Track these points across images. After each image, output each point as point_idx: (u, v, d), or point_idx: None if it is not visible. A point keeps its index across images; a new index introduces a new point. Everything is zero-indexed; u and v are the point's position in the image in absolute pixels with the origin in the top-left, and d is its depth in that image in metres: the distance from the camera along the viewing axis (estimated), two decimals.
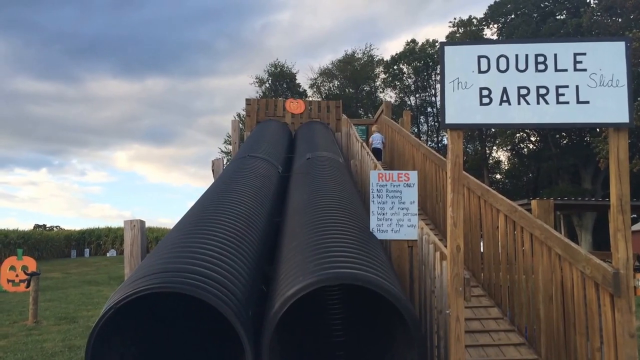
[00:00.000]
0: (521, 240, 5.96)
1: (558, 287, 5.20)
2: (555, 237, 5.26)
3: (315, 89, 42.15)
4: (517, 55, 4.27)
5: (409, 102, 41.40)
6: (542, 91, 4.23)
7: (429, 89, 41.24)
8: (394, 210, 5.40)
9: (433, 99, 41.18)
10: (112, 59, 72.41)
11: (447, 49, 4.39)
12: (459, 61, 4.32)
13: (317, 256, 4.37)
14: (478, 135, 39.07)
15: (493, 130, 38.60)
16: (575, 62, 4.21)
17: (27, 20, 67.98)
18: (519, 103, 4.24)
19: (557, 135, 35.11)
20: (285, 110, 13.80)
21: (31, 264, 16.76)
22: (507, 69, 4.29)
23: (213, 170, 9.48)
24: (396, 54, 41.11)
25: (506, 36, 34.17)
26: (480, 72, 4.30)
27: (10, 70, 69.48)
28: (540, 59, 4.25)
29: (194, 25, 74.13)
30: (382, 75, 42.41)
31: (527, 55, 4.27)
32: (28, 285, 12.14)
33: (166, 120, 75.32)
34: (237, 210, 5.76)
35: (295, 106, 13.88)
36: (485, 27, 37.44)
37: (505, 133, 36.63)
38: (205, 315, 4.49)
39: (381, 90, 42.50)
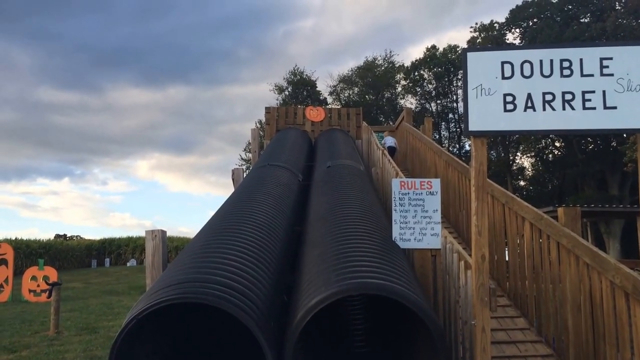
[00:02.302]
0: (547, 249, 5.90)
1: (587, 297, 5.13)
2: (583, 246, 5.19)
3: (335, 96, 42.27)
4: (541, 61, 4.24)
5: (429, 108, 41.27)
6: (568, 97, 4.19)
7: (450, 95, 41.05)
8: (417, 219, 5.39)
9: (454, 104, 40.98)
10: (134, 68, 73.58)
11: (470, 55, 4.38)
12: (482, 67, 4.31)
13: (339, 266, 4.37)
14: (501, 142, 38.73)
15: (517, 136, 38.29)
16: (602, 66, 4.16)
17: (51, 30, 69.53)
18: (544, 109, 4.21)
19: (583, 141, 34.65)
20: (305, 118, 13.88)
21: (52, 274, 17.00)
22: (532, 74, 4.26)
23: (233, 180, 9.55)
24: (416, 59, 41.08)
25: (528, 40, 33.86)
26: (504, 78, 4.28)
27: (34, 81, 70.97)
28: (566, 64, 4.21)
29: (215, 34, 75.04)
30: (403, 82, 42.37)
31: (552, 61, 4.24)
32: (50, 296, 12.30)
33: (187, 129, 76.14)
34: (258, 220, 5.78)
35: (315, 114, 13.95)
36: (507, 32, 37.16)
37: (529, 139, 36.25)
38: (228, 326, 4.52)
39: (402, 96, 42.45)
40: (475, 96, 4.29)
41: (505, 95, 4.27)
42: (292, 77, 40.06)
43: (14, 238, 28.18)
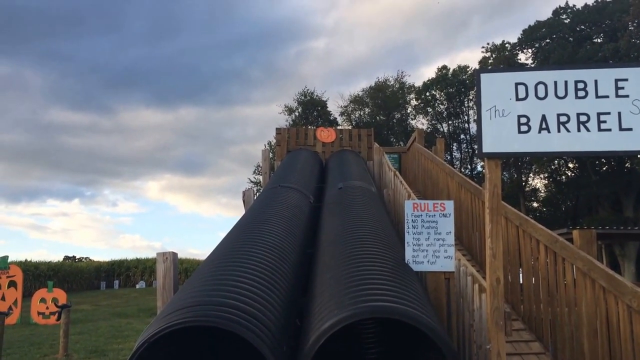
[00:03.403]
0: (562, 272, 5.85)
1: (603, 321, 5.08)
2: (599, 269, 5.16)
3: (345, 117, 42.45)
4: (556, 82, 4.26)
5: (441, 129, 41.32)
6: (583, 118, 4.19)
7: (461, 115, 41.10)
8: (430, 241, 5.38)
9: (466, 125, 41.02)
10: (145, 89, 74.44)
11: (483, 76, 4.40)
12: (496, 89, 4.33)
13: (352, 289, 4.37)
14: (514, 163, 38.62)
15: (528, 157, 38.16)
16: (617, 88, 4.16)
17: (63, 52, 70.55)
18: (558, 131, 4.21)
19: (597, 162, 34.47)
20: (316, 139, 13.94)
21: (61, 296, 17.05)
22: (546, 95, 4.27)
23: (244, 201, 9.58)
24: (428, 80, 41.29)
25: (541, 61, 33.93)
26: (518, 99, 4.29)
27: (45, 102, 71.87)
28: (580, 85, 4.22)
29: (227, 54, 75.85)
30: (414, 102, 42.53)
31: (566, 82, 4.24)
32: (59, 318, 12.32)
33: (198, 150, 76.61)
34: (269, 242, 5.80)
35: (326, 135, 14.00)
36: (520, 52, 37.25)
37: (541, 160, 36.13)
38: (240, 350, 4.50)
39: (413, 117, 42.58)
40: (489, 117, 4.31)
41: (519, 116, 4.28)
42: (302, 97, 40.33)
43: (23, 260, 28.35)
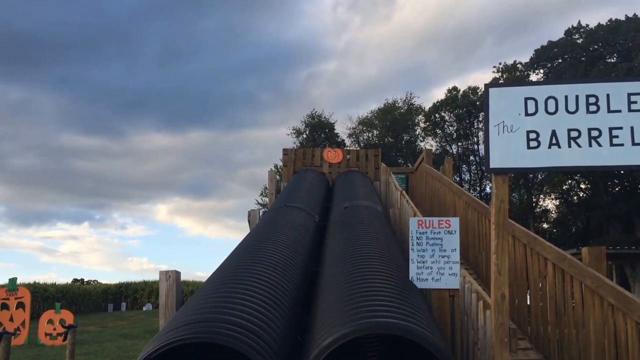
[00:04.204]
0: (571, 290, 5.77)
1: (611, 339, 5.00)
2: (608, 286, 5.09)
3: (354, 139, 42.53)
4: (566, 97, 4.20)
5: (450, 151, 41.25)
6: (595, 133, 4.12)
7: (471, 137, 41.02)
8: (435, 259, 5.33)
9: (476, 147, 40.93)
10: (156, 113, 74.91)
11: (491, 91, 4.37)
12: (505, 104, 4.29)
13: (354, 305, 4.33)
14: (524, 184, 38.43)
15: (540, 177, 37.97)
16: (630, 102, 4.10)
17: (77, 77, 71.33)
18: (569, 146, 4.15)
19: (609, 182, 34.20)
20: (323, 159, 13.95)
21: (69, 317, 17.01)
22: (557, 110, 4.22)
23: (249, 221, 9.57)
24: (437, 101, 41.32)
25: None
26: (527, 114, 4.25)
27: (57, 126, 72.47)
28: (592, 99, 4.16)
29: (238, 78, 76.19)
30: (422, 124, 42.54)
31: (577, 96, 4.19)
32: (65, 339, 12.28)
33: (207, 173, 76.76)
34: (272, 260, 5.77)
35: (333, 155, 14.02)
36: (531, 72, 37.22)
37: (553, 180, 35.90)
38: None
39: (421, 139, 42.59)
40: (497, 133, 4.26)
41: (528, 132, 4.23)
42: (310, 120, 40.48)
43: (32, 282, 28.42)
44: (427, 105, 42.63)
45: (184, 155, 74.06)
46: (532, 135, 4.22)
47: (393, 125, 40.91)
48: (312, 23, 71.80)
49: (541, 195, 40.29)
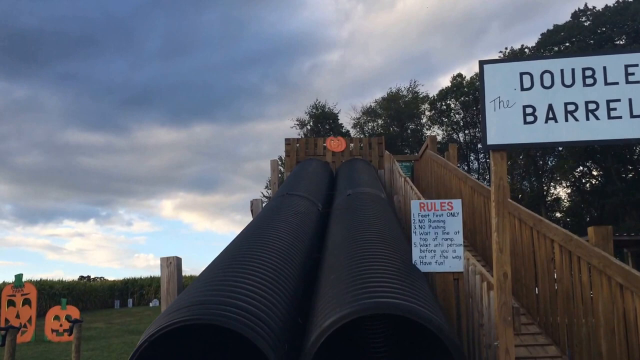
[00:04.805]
0: (578, 272, 5.77)
1: (620, 319, 4.99)
2: (615, 265, 5.08)
3: (358, 129, 42.43)
4: (562, 70, 4.19)
5: (457, 139, 41.08)
6: (592, 106, 4.11)
7: (478, 125, 40.85)
8: (438, 241, 5.32)
9: None
10: (160, 108, 74.95)
11: (486, 67, 4.37)
12: (500, 79, 4.28)
13: (355, 287, 4.34)
14: (534, 172, 38.25)
15: (550, 164, 37.76)
16: (627, 74, 4.08)
17: (79, 73, 71.51)
18: (566, 120, 4.14)
19: (622, 169, 33.98)
20: (326, 148, 13.93)
21: (75, 313, 17.13)
22: (553, 84, 4.21)
23: (252, 210, 9.60)
24: (443, 89, 41.13)
25: None
26: (523, 89, 4.25)
27: (62, 123, 72.77)
28: (588, 72, 4.14)
29: (241, 70, 76.12)
30: (428, 112, 42.35)
31: (573, 70, 4.17)
32: (71, 333, 12.39)
33: (212, 167, 76.86)
34: (274, 246, 5.80)
35: (336, 144, 13.99)
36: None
37: (563, 167, 35.70)
38: (243, 349, 4.50)
39: (427, 127, 42.42)
40: (493, 109, 4.27)
41: (524, 107, 4.23)
42: (314, 110, 40.43)
43: (38, 279, 28.64)
44: (432, 93, 42.46)
45: (188, 149, 74.19)
46: (529, 110, 4.21)
47: (398, 114, 40.75)
48: (315, 13, 71.59)
49: (552, 183, 40.06)
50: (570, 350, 5.93)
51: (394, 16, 65.82)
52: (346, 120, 42.79)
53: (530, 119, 4.22)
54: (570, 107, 4.16)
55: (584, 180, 38.57)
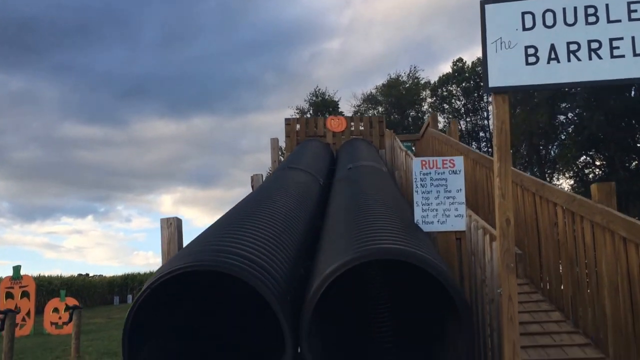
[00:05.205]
0: (582, 233, 5.78)
1: (624, 275, 5.01)
2: (619, 218, 5.09)
3: (359, 116, 42.34)
4: (564, 9, 4.15)
5: (459, 127, 41.01)
6: (594, 45, 4.07)
7: (480, 112, 40.84)
8: (440, 200, 5.33)
9: (485, 122, 40.66)
10: (159, 99, 74.52)
11: (487, 7, 4.31)
12: (501, 20, 4.25)
13: (356, 238, 4.36)
14: (537, 161, 38.23)
15: (553, 154, 37.71)
16: (630, 11, 4.03)
17: (76, 64, 71.04)
18: (569, 60, 4.11)
19: (626, 157, 33.88)
20: (326, 129, 13.91)
21: (74, 303, 17.16)
22: (554, 23, 4.17)
23: (252, 187, 9.60)
24: (443, 74, 40.97)
25: None
26: (524, 29, 4.21)
27: (59, 116, 72.47)
28: (591, 10, 4.10)
29: (240, 61, 75.66)
30: (429, 99, 42.28)
31: (575, 8, 4.13)
32: (70, 320, 12.44)
33: (212, 160, 76.67)
34: (275, 209, 5.81)
35: (336, 124, 13.98)
36: None
37: (566, 156, 35.65)
38: (246, 301, 4.53)
39: (429, 114, 42.30)
40: (494, 51, 4.24)
41: (526, 47, 4.19)
42: (314, 98, 40.39)
43: (36, 275, 28.65)
44: (433, 79, 42.33)
45: (188, 142, 74.05)
46: (531, 51, 4.19)
47: (398, 101, 40.67)
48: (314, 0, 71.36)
49: (555, 174, 40.01)
50: (574, 316, 5.94)
51: (395, 1, 65.60)
52: (346, 107, 42.71)
53: (532, 59, 4.20)
54: (573, 47, 4.14)
55: (586, 171, 38.51)
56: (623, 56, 4.01)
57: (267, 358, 4.37)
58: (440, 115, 41.64)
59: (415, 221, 5.28)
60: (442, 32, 62.85)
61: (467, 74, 39.49)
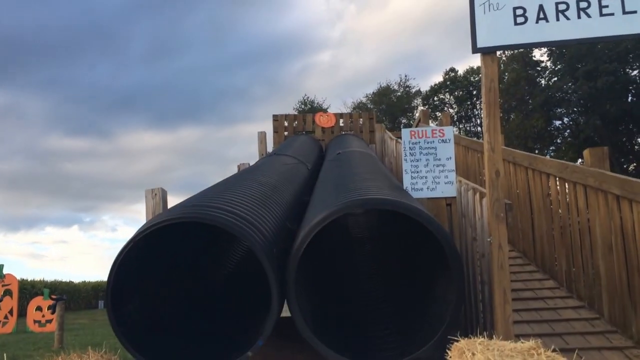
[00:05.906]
0: (574, 199, 5.83)
1: (618, 233, 5.06)
2: (611, 177, 5.17)
3: (348, 114, 42.35)
4: None
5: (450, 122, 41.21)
6: (583, 4, 4.15)
7: (473, 119, 41.04)
8: (429, 168, 5.35)
9: (478, 129, 40.90)
10: (145, 112, 74.50)
11: None
12: None
13: (346, 191, 4.37)
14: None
15: (549, 157, 37.87)
16: None
17: (63, 78, 71.10)
18: (557, 19, 4.18)
19: (622, 159, 34.13)
20: (315, 124, 13.84)
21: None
22: None
23: None
24: (435, 84, 41.25)
25: (557, 56, 33.31)
26: None
27: (45, 129, 72.31)
28: None
29: (229, 72, 75.78)
30: (421, 108, 42.44)
31: None
32: (54, 311, 12.32)
33: (200, 170, 76.43)
34: (262, 182, 5.80)
35: (325, 119, 13.93)
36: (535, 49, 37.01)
37: (562, 150, 35.85)
38: (233, 256, 4.52)
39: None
40: (482, 12, 4.31)
41: (515, 8, 4.27)
42: (302, 106, 40.40)
43: (20, 279, 28.29)
44: (423, 88, 42.57)
45: (175, 153, 73.94)
46: (519, 12, 4.26)
47: (389, 109, 40.83)
48: (305, 13, 71.61)
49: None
50: (568, 284, 5.98)
51: (387, 15, 65.82)
52: None
53: (520, 20, 4.27)
54: (562, 7, 4.21)
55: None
56: (612, 14, 4.09)
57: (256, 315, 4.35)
58: (432, 122, 41.83)
59: (404, 188, 5.29)
60: (434, 45, 63.32)
61: (459, 82, 39.74)
